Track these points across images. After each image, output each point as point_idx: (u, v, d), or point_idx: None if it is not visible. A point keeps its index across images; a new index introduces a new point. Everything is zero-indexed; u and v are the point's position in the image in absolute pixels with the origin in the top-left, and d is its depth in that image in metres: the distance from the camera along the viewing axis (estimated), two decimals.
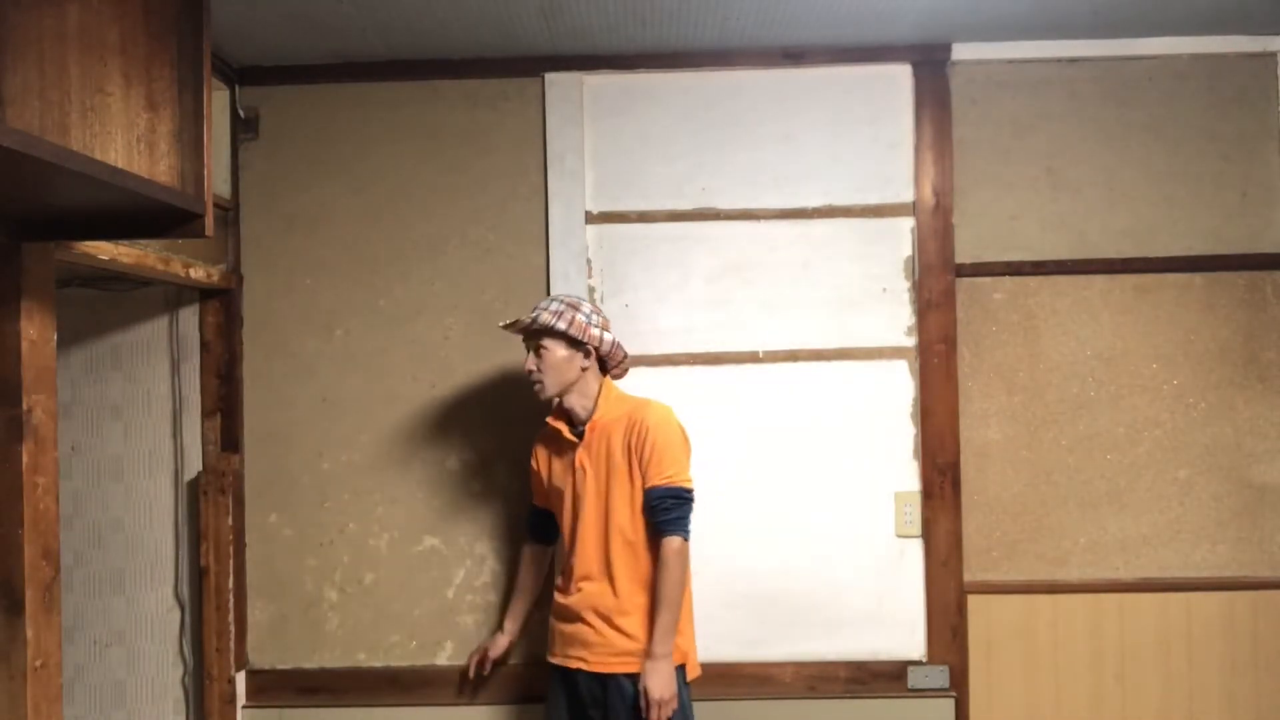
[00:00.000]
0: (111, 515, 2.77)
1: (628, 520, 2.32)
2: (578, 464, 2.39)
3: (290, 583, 2.81)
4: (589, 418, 2.38)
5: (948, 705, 2.73)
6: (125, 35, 1.58)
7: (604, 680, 2.33)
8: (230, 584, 2.71)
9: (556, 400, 2.41)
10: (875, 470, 2.76)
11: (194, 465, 2.76)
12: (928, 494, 2.75)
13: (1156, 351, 2.78)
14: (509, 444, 2.79)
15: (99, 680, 2.76)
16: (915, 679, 2.73)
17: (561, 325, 2.32)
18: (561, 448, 2.45)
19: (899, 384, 2.77)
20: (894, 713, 2.73)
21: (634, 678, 2.29)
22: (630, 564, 2.32)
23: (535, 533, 2.65)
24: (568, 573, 2.43)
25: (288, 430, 2.81)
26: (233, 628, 2.71)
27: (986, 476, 2.78)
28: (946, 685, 2.73)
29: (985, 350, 2.79)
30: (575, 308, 2.36)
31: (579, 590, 2.37)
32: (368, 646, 2.80)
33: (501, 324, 2.45)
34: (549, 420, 2.46)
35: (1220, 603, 2.74)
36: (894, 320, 2.77)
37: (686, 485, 2.32)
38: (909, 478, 2.77)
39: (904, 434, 2.77)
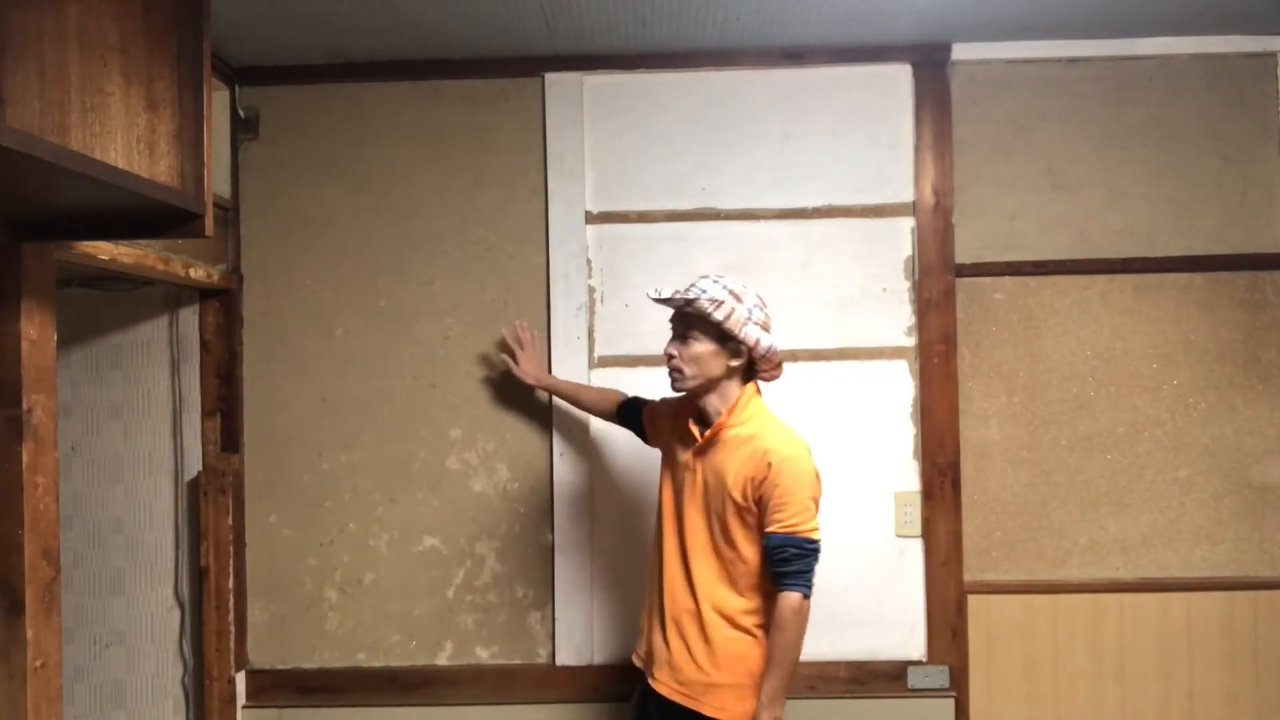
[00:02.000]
0: (111, 515, 2.77)
1: (726, 547, 2.11)
2: (690, 464, 2.18)
3: (290, 583, 2.81)
4: (715, 423, 2.14)
5: (948, 705, 2.73)
6: (125, 35, 1.58)
7: (672, 706, 2.15)
8: (230, 584, 2.71)
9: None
10: (875, 470, 2.76)
11: (194, 465, 2.76)
12: (928, 494, 2.75)
13: (1156, 351, 2.78)
14: (509, 444, 2.80)
15: (99, 680, 2.76)
16: (915, 679, 2.73)
17: (718, 316, 2.05)
18: (684, 433, 2.22)
19: (899, 384, 2.77)
20: (894, 713, 2.73)
21: (687, 714, 2.11)
22: (723, 592, 2.11)
23: (624, 410, 2.50)
24: (657, 569, 2.25)
25: (288, 430, 2.81)
26: (233, 628, 2.71)
27: (986, 476, 2.78)
28: (946, 685, 2.73)
29: (985, 350, 2.79)
30: (738, 298, 2.09)
31: (664, 598, 2.19)
32: (368, 646, 2.80)
33: (652, 295, 2.16)
34: (684, 399, 2.25)
35: (1220, 603, 2.74)
36: (894, 320, 2.77)
37: (811, 536, 2.03)
38: (909, 478, 2.77)
39: (904, 434, 2.77)
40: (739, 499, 2.08)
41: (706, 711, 2.09)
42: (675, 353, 2.13)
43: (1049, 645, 2.76)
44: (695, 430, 2.18)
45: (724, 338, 2.09)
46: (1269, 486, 2.77)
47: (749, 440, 2.09)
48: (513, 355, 2.69)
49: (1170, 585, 2.75)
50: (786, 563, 2.03)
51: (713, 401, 2.15)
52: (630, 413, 2.50)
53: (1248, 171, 2.77)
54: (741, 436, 2.11)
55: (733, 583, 2.11)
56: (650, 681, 2.21)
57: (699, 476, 2.16)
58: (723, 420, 2.13)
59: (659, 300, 2.14)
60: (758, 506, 2.07)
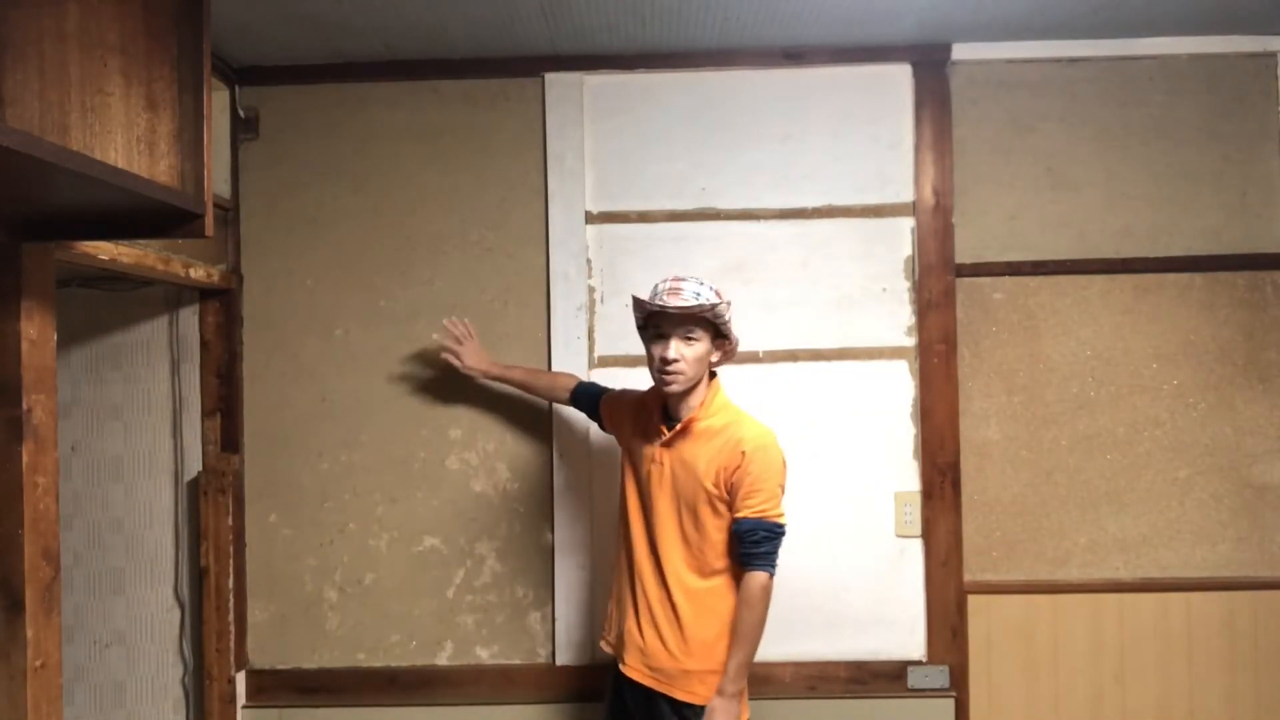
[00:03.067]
0: (111, 515, 2.77)
1: (695, 535, 2.16)
2: (656, 457, 2.21)
3: (290, 583, 2.81)
4: (685, 417, 2.19)
5: (948, 705, 2.73)
6: (125, 35, 1.58)
7: (644, 690, 2.20)
8: (230, 584, 2.71)
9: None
10: (875, 470, 2.77)
11: (194, 465, 2.76)
12: (928, 494, 2.75)
13: (1156, 351, 2.78)
14: (509, 444, 2.80)
15: (99, 680, 2.76)
16: (915, 679, 2.73)
17: (727, 316, 2.13)
18: (649, 429, 2.26)
19: (899, 384, 2.77)
20: (894, 713, 2.73)
21: (671, 702, 2.16)
22: (691, 579, 2.16)
23: (578, 395, 2.53)
24: (629, 561, 2.27)
25: (288, 430, 2.81)
26: (233, 628, 2.71)
27: (986, 476, 2.78)
28: (946, 685, 2.73)
29: (985, 350, 2.79)
30: (722, 297, 2.13)
31: (635, 586, 2.23)
32: (368, 646, 2.80)
33: (670, 305, 2.09)
34: (650, 393, 2.29)
35: (1220, 603, 2.74)
36: (894, 320, 2.77)
37: (779, 520, 2.12)
38: (909, 478, 2.77)
39: (904, 434, 2.77)
40: (712, 488, 2.13)
41: (677, 696, 2.15)
42: (679, 355, 2.12)
43: (1049, 645, 2.76)
44: (662, 425, 2.22)
45: (717, 335, 2.17)
46: (1269, 486, 2.77)
47: (721, 431, 2.16)
48: (454, 354, 2.66)
49: (1170, 585, 2.75)
50: (757, 544, 2.10)
51: (687, 398, 2.19)
52: (584, 398, 2.54)
53: (1248, 171, 2.77)
54: (713, 428, 2.17)
55: (700, 569, 2.17)
56: (621, 666, 2.25)
57: (666, 469, 2.20)
58: (695, 414, 2.18)
59: (677, 309, 2.08)
60: (729, 494, 2.13)
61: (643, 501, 2.26)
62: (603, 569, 2.77)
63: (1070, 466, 2.78)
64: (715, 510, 2.15)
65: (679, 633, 2.16)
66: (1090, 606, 2.75)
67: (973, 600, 2.75)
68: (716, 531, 2.15)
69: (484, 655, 2.79)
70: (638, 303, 2.17)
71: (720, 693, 2.11)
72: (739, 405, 2.25)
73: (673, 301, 2.10)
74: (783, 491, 2.16)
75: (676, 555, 2.18)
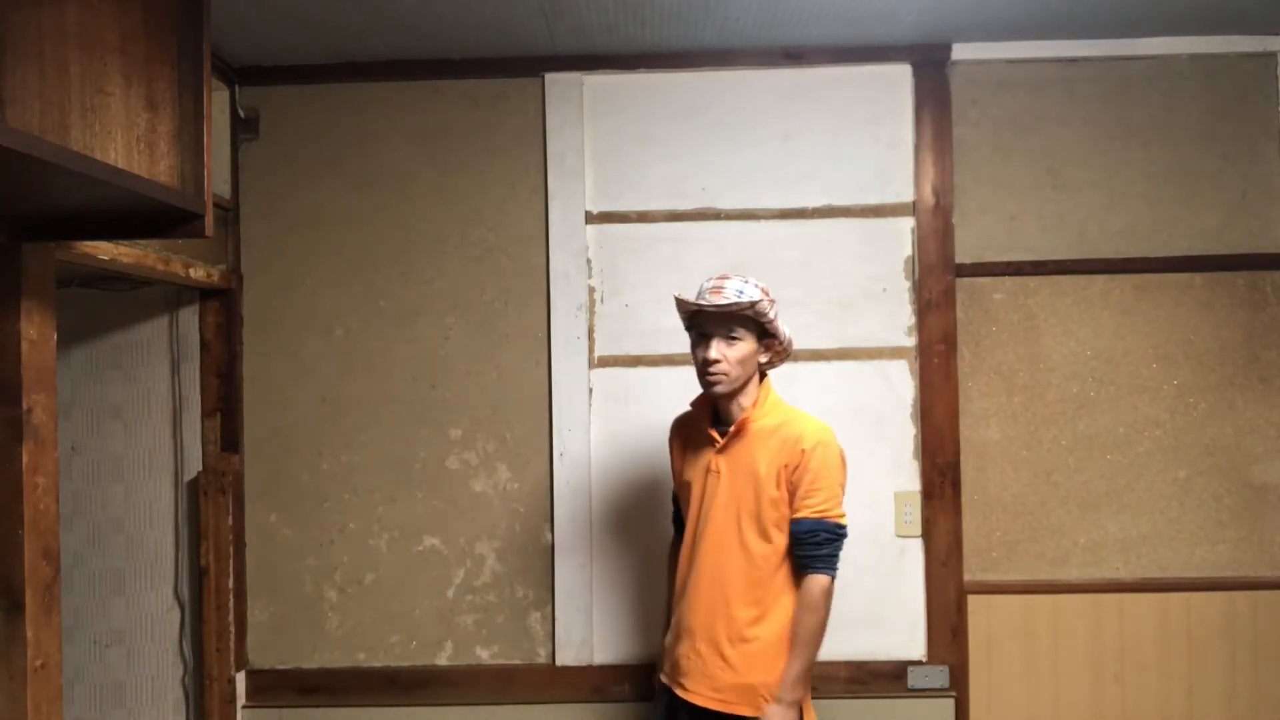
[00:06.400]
0: (111, 515, 2.77)
1: (759, 542, 2.10)
2: (713, 466, 2.16)
3: (290, 583, 2.81)
4: (738, 418, 2.14)
5: (948, 705, 2.73)
6: (125, 35, 1.58)
7: (705, 715, 2.12)
8: (230, 584, 2.71)
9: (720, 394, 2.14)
10: (875, 470, 2.76)
11: (194, 465, 2.76)
12: (928, 494, 2.75)
13: (1156, 351, 2.78)
14: (509, 444, 2.80)
15: (99, 680, 2.76)
16: (915, 679, 2.73)
17: (771, 314, 2.08)
18: (699, 442, 2.22)
19: (899, 384, 2.77)
20: (894, 713, 2.73)
21: (725, 718, 2.09)
22: (752, 590, 2.10)
23: (680, 526, 2.38)
24: (683, 582, 2.21)
25: (288, 430, 2.81)
26: (233, 628, 2.71)
27: (986, 476, 2.78)
28: (946, 685, 2.73)
29: (985, 350, 2.79)
30: (768, 295, 2.09)
31: (690, 606, 2.17)
32: (368, 646, 2.80)
33: (705, 304, 2.07)
34: (694, 405, 2.24)
35: (1220, 603, 2.74)
36: (894, 320, 2.77)
37: (840, 520, 2.08)
38: (909, 478, 2.77)
39: (904, 434, 2.77)
40: (774, 489, 2.09)
41: (745, 712, 2.09)
42: (721, 355, 2.08)
43: (1049, 645, 2.76)
44: (714, 431, 2.18)
45: (763, 335, 2.12)
46: (1269, 486, 2.77)
47: (777, 430, 2.12)
48: None
49: (1170, 585, 2.75)
50: (818, 546, 2.06)
51: (738, 399, 2.15)
52: (677, 515, 2.42)
53: (1248, 171, 2.77)
54: (768, 428, 2.13)
55: (759, 580, 2.10)
56: (682, 693, 2.16)
57: (723, 476, 2.15)
58: (748, 414, 2.14)
59: (714, 307, 2.06)
60: (790, 494, 2.09)
61: (700, 516, 2.18)
62: (603, 569, 2.77)
63: (1070, 466, 2.78)
64: (779, 512, 2.09)
65: (740, 646, 2.09)
66: (1090, 606, 2.75)
67: (973, 600, 2.75)
68: (779, 534, 2.10)
69: (484, 655, 2.79)
70: (679, 302, 2.14)
71: (778, 700, 2.05)
72: (792, 404, 2.21)
73: (713, 300, 2.07)
74: (843, 491, 2.11)
75: (734, 566, 2.11)
